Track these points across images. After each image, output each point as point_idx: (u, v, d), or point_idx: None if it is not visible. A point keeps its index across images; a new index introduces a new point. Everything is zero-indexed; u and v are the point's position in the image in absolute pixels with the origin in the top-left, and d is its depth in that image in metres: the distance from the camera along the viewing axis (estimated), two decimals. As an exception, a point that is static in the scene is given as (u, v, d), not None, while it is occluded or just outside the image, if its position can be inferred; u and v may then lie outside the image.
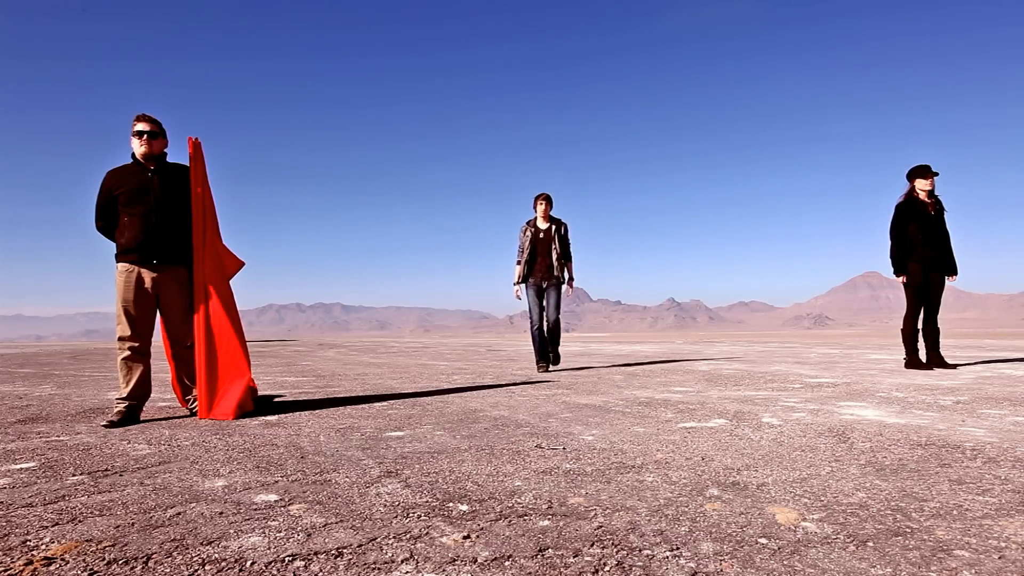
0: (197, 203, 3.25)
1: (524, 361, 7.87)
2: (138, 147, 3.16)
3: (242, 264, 3.43)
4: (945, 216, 5.50)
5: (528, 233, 5.99)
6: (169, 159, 3.32)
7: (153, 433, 2.80)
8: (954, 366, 5.53)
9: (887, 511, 1.52)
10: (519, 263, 5.99)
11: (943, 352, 6.20)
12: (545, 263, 5.92)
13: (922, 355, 5.62)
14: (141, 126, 3.16)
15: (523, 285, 5.99)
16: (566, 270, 6.00)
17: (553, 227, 6.00)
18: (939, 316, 5.58)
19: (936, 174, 5.45)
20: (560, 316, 6.05)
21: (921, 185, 5.43)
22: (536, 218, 6.06)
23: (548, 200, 5.98)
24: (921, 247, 5.41)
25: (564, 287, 6.02)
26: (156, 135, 3.19)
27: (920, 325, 5.54)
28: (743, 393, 3.94)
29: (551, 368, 6.10)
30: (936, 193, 5.50)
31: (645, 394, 3.98)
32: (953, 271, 5.50)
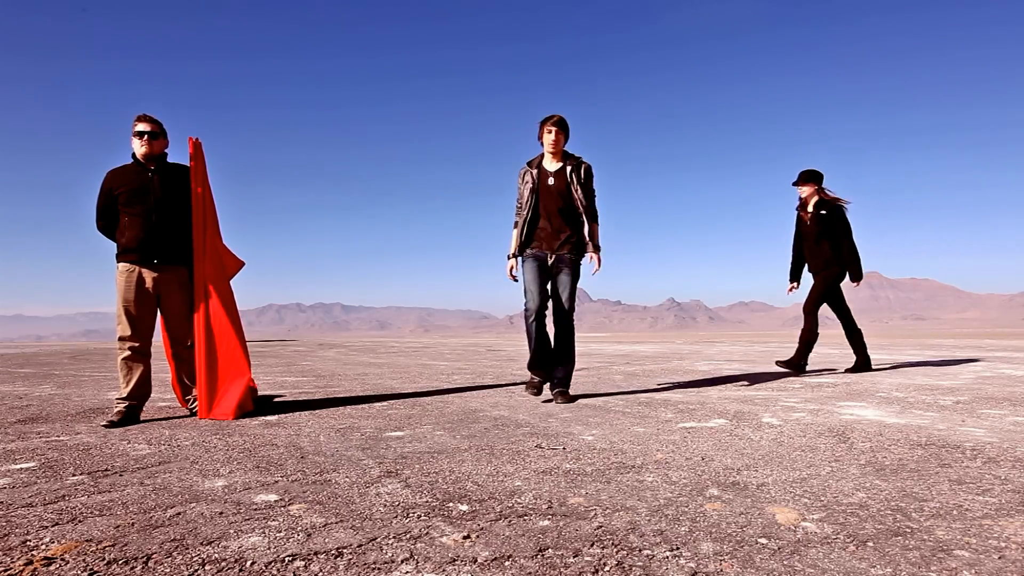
0: (197, 203, 3.25)
1: (524, 361, 7.87)
2: (138, 147, 3.17)
3: (242, 264, 3.43)
4: (843, 214, 4.87)
5: (529, 179, 3.73)
6: (170, 159, 3.32)
7: (153, 433, 2.80)
8: (870, 368, 5.16)
9: (887, 511, 1.52)
10: (516, 225, 3.81)
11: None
12: (555, 224, 3.68)
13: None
14: (141, 126, 3.16)
15: (520, 259, 3.79)
16: (590, 237, 3.75)
17: (569, 168, 3.68)
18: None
19: (799, 183, 4.95)
20: (575, 307, 3.76)
21: (800, 194, 5.08)
22: (543, 156, 3.78)
23: (561, 126, 3.65)
24: (803, 257, 5.12)
25: (587, 262, 3.78)
26: (156, 135, 3.19)
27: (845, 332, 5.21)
28: (743, 393, 3.94)
29: (556, 399, 3.66)
30: (829, 196, 4.90)
31: (645, 394, 3.98)
32: (851, 276, 4.93)
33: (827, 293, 4.90)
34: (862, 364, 5.06)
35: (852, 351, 5.09)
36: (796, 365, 4.94)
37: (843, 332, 5.13)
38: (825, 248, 4.88)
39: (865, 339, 5.21)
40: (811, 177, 4.90)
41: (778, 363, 5.06)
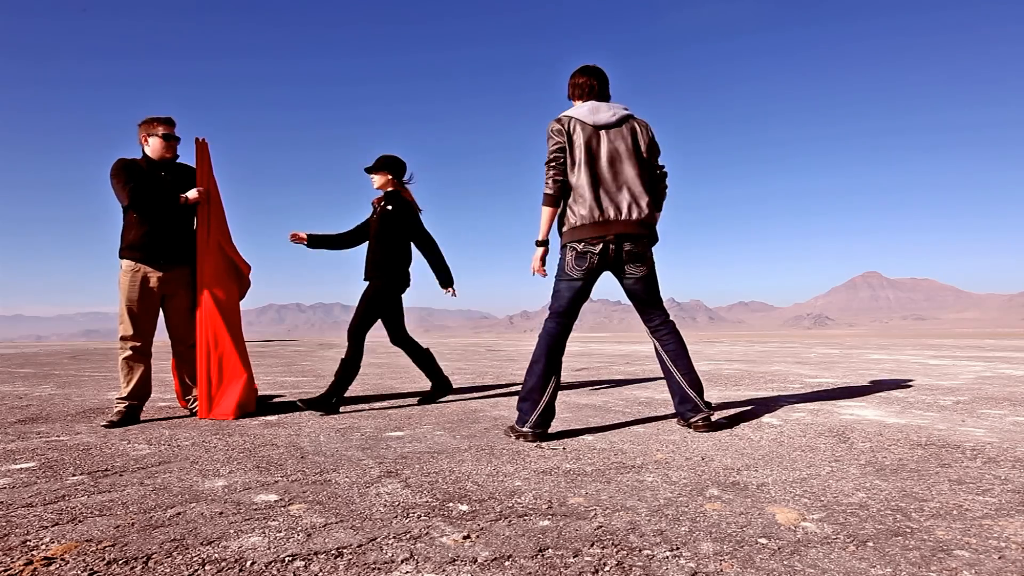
0: (201, 203, 3.26)
1: (524, 361, 7.87)
2: (161, 150, 3.18)
3: (248, 268, 3.46)
4: (415, 217, 3.79)
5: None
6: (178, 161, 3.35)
7: (153, 433, 2.80)
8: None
9: (887, 511, 1.52)
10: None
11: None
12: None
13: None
14: (168, 130, 3.20)
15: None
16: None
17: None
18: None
19: (372, 170, 3.75)
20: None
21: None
22: None
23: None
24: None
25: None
26: (178, 140, 3.25)
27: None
28: (743, 393, 3.94)
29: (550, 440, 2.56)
30: (406, 194, 3.81)
31: (645, 394, 3.98)
32: (441, 282, 3.95)
33: (372, 311, 3.63)
34: (439, 387, 3.88)
35: (428, 376, 3.87)
36: (327, 403, 3.39)
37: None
38: (379, 253, 3.67)
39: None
40: (387, 165, 3.73)
41: (302, 403, 3.44)
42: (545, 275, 2.64)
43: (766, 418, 2.93)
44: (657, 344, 2.71)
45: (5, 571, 1.23)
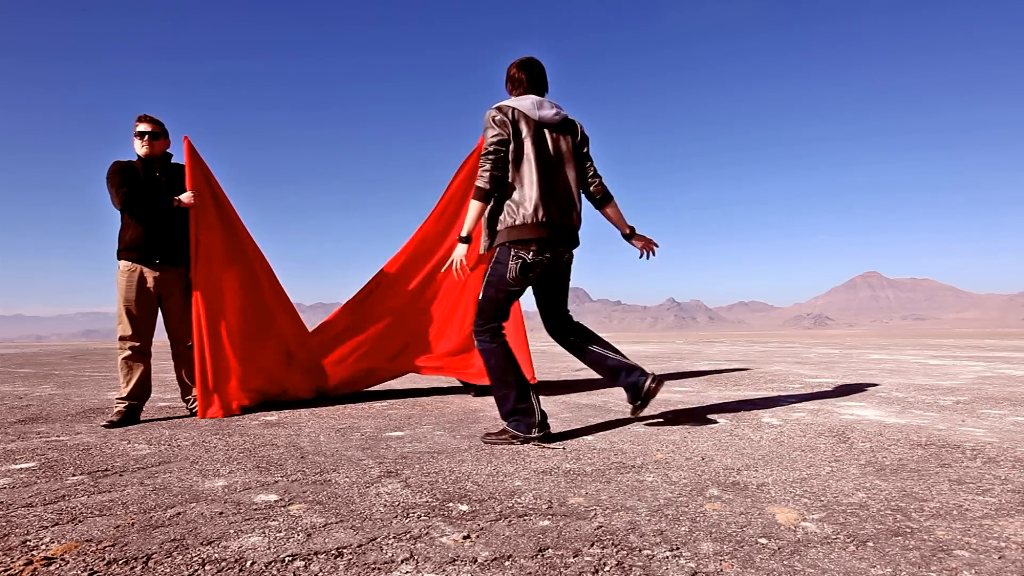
0: (195, 204, 3.26)
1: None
2: (139, 148, 3.18)
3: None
4: None
5: None
6: (173, 160, 3.34)
7: (153, 433, 2.80)
8: None
9: (887, 511, 1.52)
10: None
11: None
12: None
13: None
14: (142, 127, 3.17)
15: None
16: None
17: None
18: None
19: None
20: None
21: None
22: None
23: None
24: None
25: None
26: (157, 135, 3.20)
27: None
28: (743, 393, 3.94)
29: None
30: None
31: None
32: None
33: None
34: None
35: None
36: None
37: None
38: None
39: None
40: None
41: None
42: (467, 274, 2.50)
43: (766, 418, 2.93)
44: (575, 339, 2.63)
45: (5, 571, 1.23)
